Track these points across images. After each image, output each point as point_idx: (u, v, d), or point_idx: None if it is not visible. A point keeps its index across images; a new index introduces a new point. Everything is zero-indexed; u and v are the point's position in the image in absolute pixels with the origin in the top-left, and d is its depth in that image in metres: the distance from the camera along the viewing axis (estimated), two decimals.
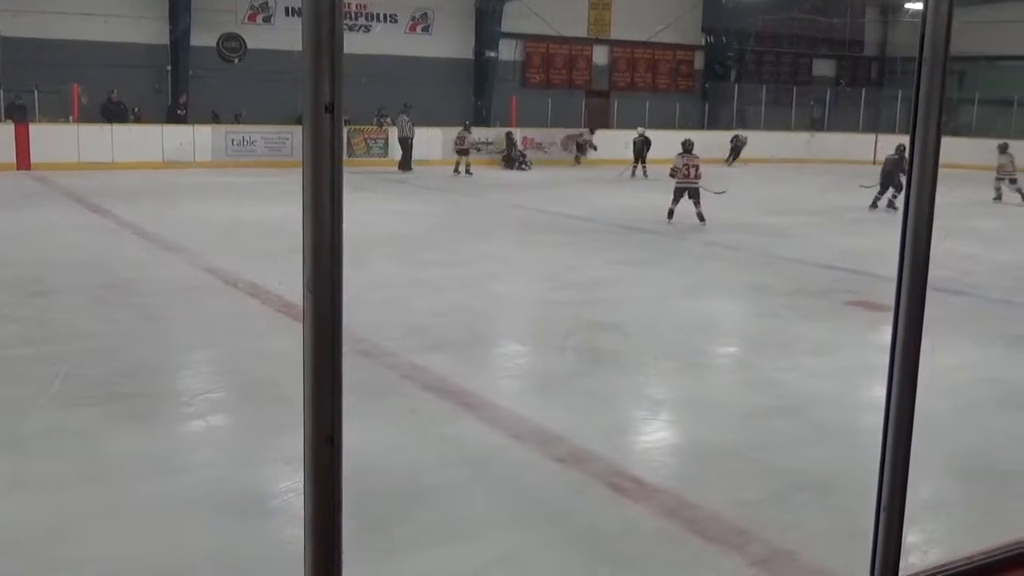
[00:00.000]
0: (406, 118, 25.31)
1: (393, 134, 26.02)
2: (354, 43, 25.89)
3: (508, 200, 19.35)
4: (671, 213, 15.26)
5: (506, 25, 30.04)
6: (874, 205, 18.02)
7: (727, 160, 29.34)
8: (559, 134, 28.82)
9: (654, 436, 6.01)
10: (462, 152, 24.68)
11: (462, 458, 5.35)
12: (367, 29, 28.38)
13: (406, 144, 25.36)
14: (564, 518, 4.57)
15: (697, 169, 15.17)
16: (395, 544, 4.18)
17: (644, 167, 25.00)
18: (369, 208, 15.86)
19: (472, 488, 4.94)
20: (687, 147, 15.49)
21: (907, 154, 1.96)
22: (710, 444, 5.68)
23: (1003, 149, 21.09)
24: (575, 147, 28.65)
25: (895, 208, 17.32)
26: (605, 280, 10.76)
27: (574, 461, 5.23)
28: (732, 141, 30.10)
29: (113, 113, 24.13)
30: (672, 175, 15.44)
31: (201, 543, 4.20)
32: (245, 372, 6.92)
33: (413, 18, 29.44)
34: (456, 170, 24.35)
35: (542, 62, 31.69)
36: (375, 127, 26.31)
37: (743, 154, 29.97)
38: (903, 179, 14.36)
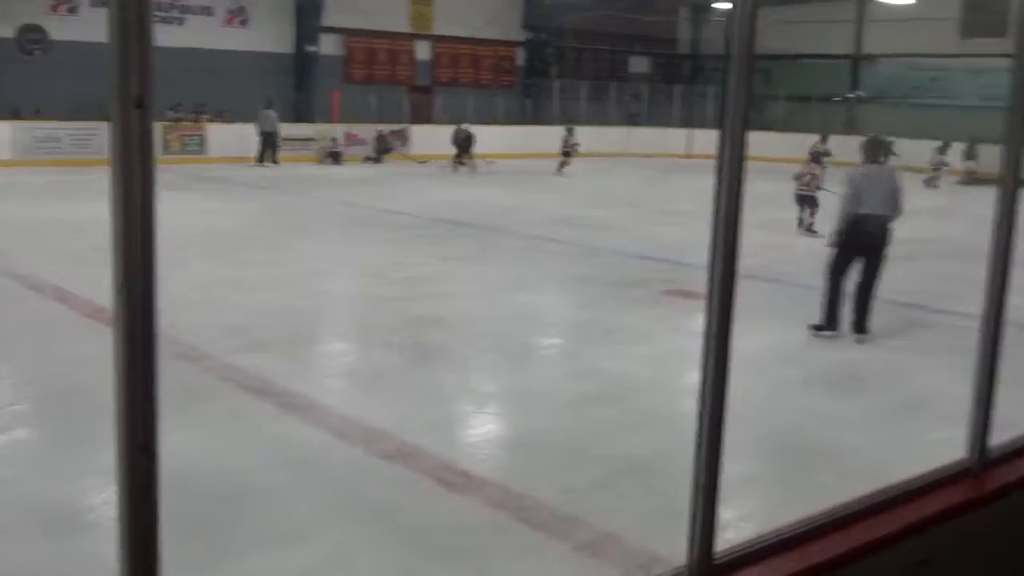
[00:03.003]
0: (272, 112, 25.35)
1: (210, 130, 25.33)
2: (167, 36, 24.93)
3: (330, 197, 19.09)
4: (799, 221, 14.97)
5: (327, 19, 29.57)
6: None
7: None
8: (383, 130, 28.57)
9: (481, 429, 6.07)
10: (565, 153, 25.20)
11: (287, 459, 5.26)
12: (181, 22, 27.37)
13: (271, 139, 25.36)
14: (392, 514, 4.56)
15: (814, 178, 14.82)
16: (221, 551, 4.06)
17: (471, 161, 25.15)
18: (186, 207, 15.31)
19: (299, 489, 4.86)
20: (813, 155, 15.40)
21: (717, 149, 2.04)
22: (536, 434, 5.77)
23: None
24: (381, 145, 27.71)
25: None
26: (430, 275, 10.78)
27: (402, 457, 5.22)
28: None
29: None
30: (795, 179, 15.15)
31: (10, 564, 3.96)
32: (54, 381, 6.57)
33: (230, 11, 28.58)
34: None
35: (365, 57, 31.37)
36: (191, 123, 25.45)
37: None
38: None
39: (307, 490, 4.87)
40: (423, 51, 32.66)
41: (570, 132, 25.72)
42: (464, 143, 25.60)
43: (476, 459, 5.36)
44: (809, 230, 14.43)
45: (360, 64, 31.29)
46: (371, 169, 25.73)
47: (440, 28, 32.45)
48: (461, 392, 6.76)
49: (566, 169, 24.69)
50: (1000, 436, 2.89)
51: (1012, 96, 2.77)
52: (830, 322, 8.24)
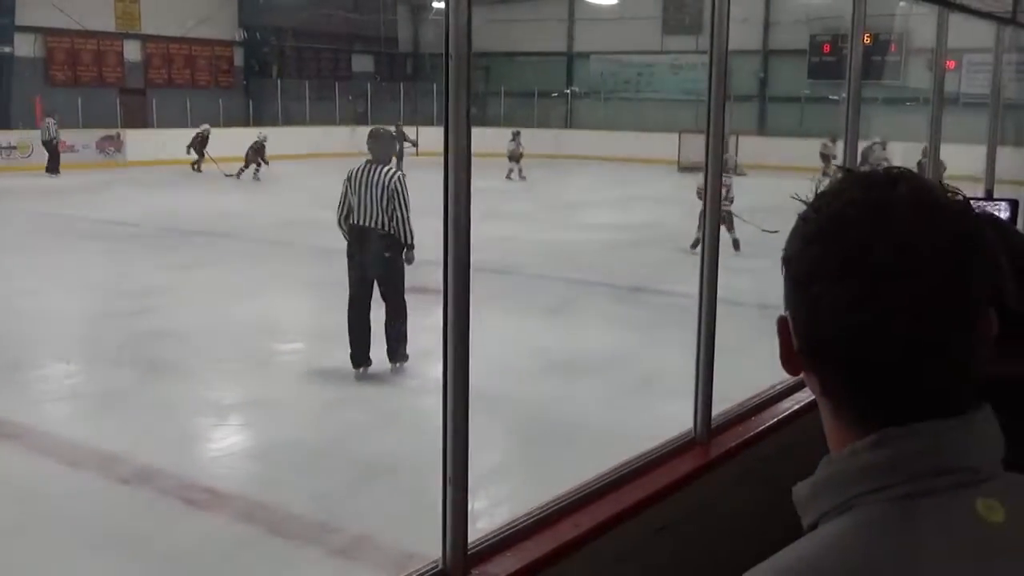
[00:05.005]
0: (52, 121, 24.60)
1: None
2: None
3: (39, 209, 17.77)
4: (696, 242, 12.42)
5: (22, 17, 27.40)
6: None
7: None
8: (94, 135, 26.91)
9: (225, 442, 5.87)
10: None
11: (11, 494, 4.86)
12: None
13: (52, 147, 24.57)
14: (135, 541, 4.33)
15: (728, 191, 12.24)
16: None
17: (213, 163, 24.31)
18: None
19: (28, 524, 4.51)
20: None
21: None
22: (283, 442, 5.65)
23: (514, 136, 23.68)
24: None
25: None
26: (159, 287, 10.25)
27: (140, 480, 4.96)
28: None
29: None
30: (700, 196, 12.78)
31: None
32: None
33: None
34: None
35: (67, 58, 29.36)
36: None
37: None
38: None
39: (38, 525, 4.53)
40: (132, 51, 31.00)
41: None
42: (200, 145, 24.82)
43: (220, 474, 5.18)
44: (736, 247, 12.34)
45: (62, 66, 29.26)
46: (82, 178, 24.16)
47: (149, 27, 30.88)
48: (200, 406, 6.50)
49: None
50: (720, 406, 3.12)
51: (709, 89, 2.99)
52: (355, 359, 6.90)
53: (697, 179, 12.78)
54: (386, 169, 6.95)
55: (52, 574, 4.04)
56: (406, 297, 7.09)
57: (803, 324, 0.80)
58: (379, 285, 6.99)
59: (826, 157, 17.16)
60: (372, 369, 7.05)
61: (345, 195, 6.96)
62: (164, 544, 4.31)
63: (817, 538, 0.76)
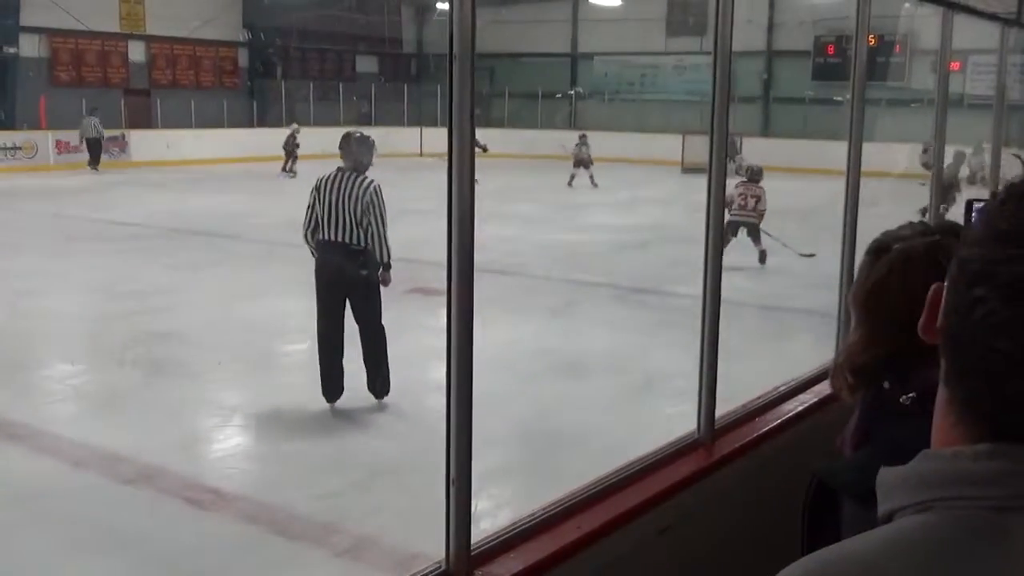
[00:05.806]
0: (96, 119, 25.73)
1: None
2: None
3: (42, 209, 17.77)
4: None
5: (26, 18, 27.45)
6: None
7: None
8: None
9: (229, 443, 5.87)
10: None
11: (15, 495, 4.86)
12: None
13: (96, 144, 25.60)
14: (139, 541, 4.33)
15: (758, 201, 11.94)
16: None
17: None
18: None
19: (32, 524, 4.52)
20: (751, 174, 12.24)
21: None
22: (286, 443, 5.66)
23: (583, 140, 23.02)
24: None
25: None
26: (163, 287, 10.26)
27: (144, 480, 4.97)
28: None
29: None
30: (728, 205, 11.81)
31: None
32: None
33: None
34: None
35: (72, 59, 29.38)
36: None
37: None
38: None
39: (42, 524, 4.54)
40: (137, 52, 31.03)
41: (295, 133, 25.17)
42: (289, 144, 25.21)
43: (225, 475, 5.19)
44: (763, 260, 11.84)
45: (67, 66, 29.27)
46: (87, 179, 24.22)
47: (154, 28, 30.89)
48: (204, 407, 6.50)
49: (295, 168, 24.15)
50: (724, 407, 3.11)
51: (713, 91, 2.99)
52: (326, 391, 6.19)
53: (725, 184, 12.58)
54: (360, 178, 6.19)
55: (53, 574, 4.05)
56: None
57: (955, 312, 0.76)
58: (353, 309, 6.26)
59: (928, 165, 17.25)
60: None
61: (312, 206, 6.23)
62: (167, 544, 4.31)
63: (891, 531, 0.74)
